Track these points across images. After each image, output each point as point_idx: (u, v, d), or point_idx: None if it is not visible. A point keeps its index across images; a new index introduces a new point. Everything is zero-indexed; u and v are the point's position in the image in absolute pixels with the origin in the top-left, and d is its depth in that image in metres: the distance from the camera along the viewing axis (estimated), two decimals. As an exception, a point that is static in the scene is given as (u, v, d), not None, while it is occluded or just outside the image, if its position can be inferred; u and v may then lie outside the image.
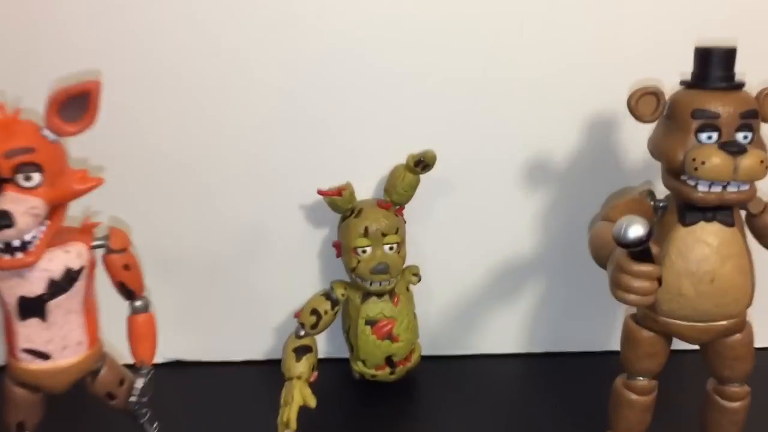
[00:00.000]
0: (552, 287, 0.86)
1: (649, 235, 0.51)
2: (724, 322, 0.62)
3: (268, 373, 0.82)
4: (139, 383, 0.63)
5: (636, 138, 0.77)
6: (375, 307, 0.78)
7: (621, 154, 0.80)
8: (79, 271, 0.57)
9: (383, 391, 0.81)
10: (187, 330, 0.84)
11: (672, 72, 0.63)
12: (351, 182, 0.77)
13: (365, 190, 0.80)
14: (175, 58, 0.75)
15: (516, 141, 0.80)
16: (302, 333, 0.78)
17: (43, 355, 0.58)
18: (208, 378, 0.85)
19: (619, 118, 0.77)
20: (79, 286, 0.57)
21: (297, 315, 0.78)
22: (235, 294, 0.84)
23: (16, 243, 0.52)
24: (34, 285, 0.55)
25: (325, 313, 0.78)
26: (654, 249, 0.54)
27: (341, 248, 0.78)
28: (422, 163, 0.74)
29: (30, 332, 0.57)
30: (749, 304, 0.62)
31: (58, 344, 0.58)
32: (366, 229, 0.75)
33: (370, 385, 0.81)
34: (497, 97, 0.78)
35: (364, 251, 0.75)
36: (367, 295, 0.78)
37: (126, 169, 0.76)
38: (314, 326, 0.78)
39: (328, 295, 0.79)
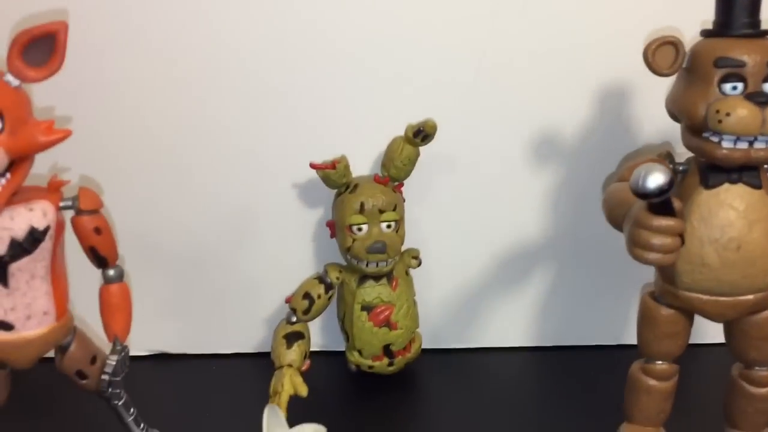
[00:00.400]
0: (561, 275, 0.82)
1: (670, 184, 0.46)
2: (751, 296, 0.58)
3: (258, 366, 0.79)
4: (113, 360, 0.58)
5: (649, 112, 0.74)
6: (372, 292, 0.75)
7: (633, 128, 0.76)
8: (44, 232, 0.53)
9: (381, 384, 0.78)
10: (172, 320, 0.81)
11: (692, 24, 0.59)
12: (346, 156, 0.72)
13: (361, 166, 0.76)
14: (165, 30, 0.72)
15: (522, 115, 0.76)
16: (294, 319, 0.75)
17: (5, 325, 0.53)
18: (194, 371, 0.81)
19: (630, 89, 0.74)
20: (45, 248, 0.53)
21: (288, 300, 0.76)
22: (222, 281, 0.81)
23: (-28, 195, 0.48)
24: (-6, 244, 0.51)
25: (319, 297, 0.75)
26: (676, 203, 0.49)
27: (335, 227, 0.75)
28: (422, 133, 0.71)
29: (-10, 299, 0.52)
30: (778, 275, 0.58)
31: (21, 313, 0.53)
32: (362, 205, 0.72)
33: (367, 378, 0.78)
34: (502, 67, 0.75)
35: (359, 229, 0.72)
36: (363, 278, 0.75)
37: (101, 127, 0.73)
38: (307, 311, 0.74)
39: (321, 279, 0.75)
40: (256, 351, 0.83)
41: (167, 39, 0.73)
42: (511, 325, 0.84)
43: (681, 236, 0.50)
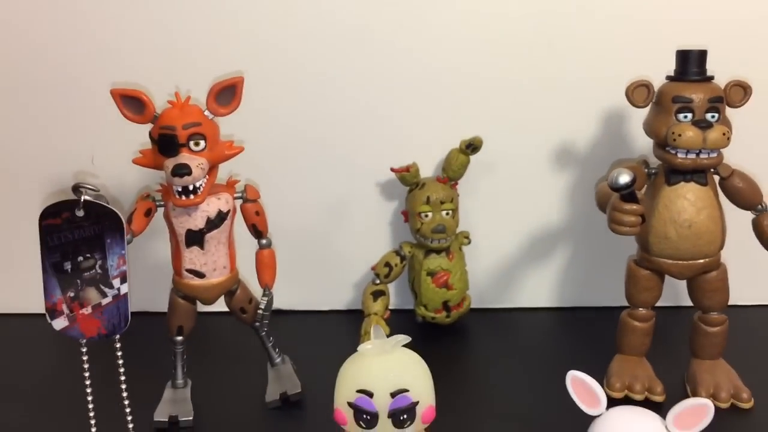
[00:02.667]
0: (576, 250, 1.05)
1: (633, 181, 0.71)
2: (701, 261, 0.81)
3: (349, 321, 1.00)
4: (263, 302, 0.83)
5: (639, 132, 0.96)
6: (434, 262, 0.98)
7: (628, 142, 0.99)
8: (226, 213, 0.79)
9: (440, 332, 1.00)
10: (284, 284, 0.96)
11: (660, 71, 0.82)
12: (416, 162, 0.98)
13: (427, 169, 1.01)
14: (284, 64, 0.98)
15: (547, 132, 1.00)
16: (378, 281, 0.98)
17: (200, 274, 0.79)
18: (300, 325, 1.04)
19: (626, 114, 0.97)
20: (226, 224, 0.79)
21: (373, 268, 0.99)
22: (323, 254, 1.05)
23: (190, 188, 0.74)
24: (197, 221, 0.77)
25: (396, 265, 0.98)
26: (639, 194, 0.74)
27: (408, 214, 0.98)
28: (471, 147, 0.95)
29: (192, 257, 0.79)
30: (721, 247, 0.81)
31: (210, 267, 0.79)
32: (428, 198, 0.95)
33: (429, 327, 1.00)
34: (532, 95, 0.98)
35: (426, 216, 0.95)
36: (428, 251, 0.98)
37: (256, 148, 0.91)
38: (387, 276, 0.98)
39: (397, 252, 0.99)
40: (347, 308, 1.07)
41: (294, 77, 0.97)
42: (538, 289, 1.06)
43: (642, 216, 0.75)
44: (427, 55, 0.98)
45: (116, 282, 0.69)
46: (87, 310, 0.70)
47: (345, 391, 0.70)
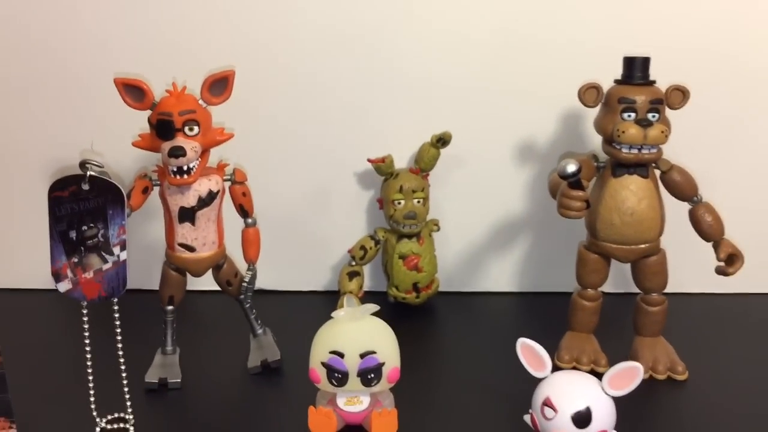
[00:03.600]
0: (537, 240, 1.14)
1: (579, 170, 0.80)
2: (642, 245, 0.90)
3: (328, 301, 1.06)
4: (248, 276, 0.92)
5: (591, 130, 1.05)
6: (406, 246, 1.06)
7: (584, 140, 1.08)
8: (216, 193, 0.87)
9: (410, 311, 1.09)
10: (266, 265, 0.99)
11: (610, 75, 0.91)
12: (391, 154, 1.06)
13: (401, 161, 1.09)
14: (274, 62, 1.07)
15: (510, 130, 1.09)
16: (353, 263, 1.07)
17: (191, 248, 0.88)
18: (281, 304, 1.12)
19: (582, 113, 1.05)
20: (216, 203, 0.87)
21: (350, 250, 1.08)
22: (303, 238, 1.14)
23: (184, 168, 0.83)
24: (190, 199, 0.85)
25: (370, 248, 1.07)
26: (584, 183, 0.83)
27: (383, 202, 1.07)
28: (441, 141, 1.04)
29: (184, 232, 0.87)
30: (660, 233, 0.90)
31: (200, 242, 0.88)
32: (401, 187, 1.04)
33: (401, 307, 1.09)
34: (497, 96, 1.07)
35: (399, 203, 1.04)
36: (400, 236, 1.06)
37: (244, 138, 0.96)
38: (362, 258, 1.07)
39: (372, 237, 1.08)
40: (326, 289, 1.16)
41: (281, 74, 1.07)
42: (501, 275, 1.16)
43: (587, 202, 0.84)
44: (403, 59, 1.07)
45: (116, 249, 0.77)
46: (89, 275, 0.78)
47: (319, 352, 0.79)
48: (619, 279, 1.06)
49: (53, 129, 1.10)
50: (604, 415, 0.75)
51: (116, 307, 0.80)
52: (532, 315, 1.11)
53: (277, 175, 1.11)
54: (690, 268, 1.02)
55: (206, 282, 0.94)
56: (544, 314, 1.08)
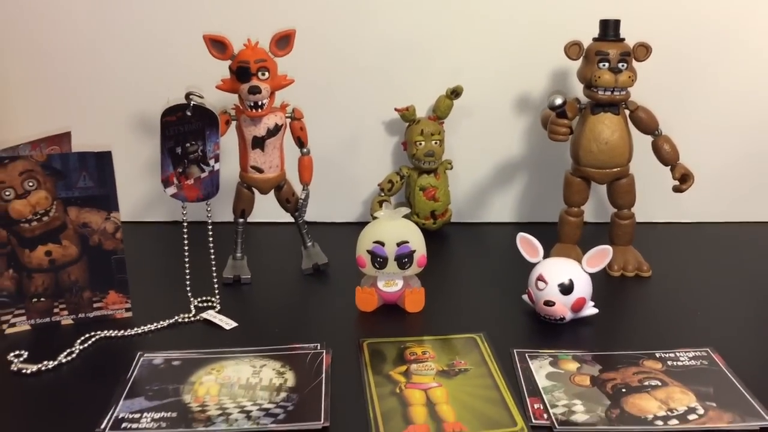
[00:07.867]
0: (533, 178, 1.38)
1: (564, 102, 1.04)
2: (615, 169, 1.14)
3: (359, 230, 1.24)
4: (303, 194, 1.16)
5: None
6: (425, 180, 1.30)
7: (570, 89, 1.30)
8: (280, 126, 1.11)
9: (428, 235, 1.26)
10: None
11: (588, 34, 1.15)
12: (414, 104, 1.30)
13: (422, 110, 1.33)
14: (323, 26, 1.30)
15: (511, 84, 1.33)
16: (382, 194, 1.31)
17: (260, 170, 1.11)
18: (320, 233, 1.32)
19: (568, 68, 1.29)
20: (280, 134, 1.11)
21: (379, 184, 1.31)
22: (340, 177, 1.37)
23: (258, 103, 1.07)
24: (261, 130, 1.09)
25: (396, 182, 1.31)
26: (569, 113, 1.08)
27: (407, 144, 1.31)
28: (455, 93, 1.28)
29: (255, 156, 1.10)
30: (629, 159, 1.14)
31: (267, 165, 1.11)
32: (422, 130, 1.27)
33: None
34: (500, 58, 1.31)
35: (420, 143, 1.28)
36: (421, 172, 1.30)
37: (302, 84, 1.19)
38: (389, 190, 1.31)
39: (398, 173, 1.31)
40: (357, 221, 1.39)
41: (329, 33, 1.31)
42: (503, 207, 1.39)
43: (570, 129, 1.08)
44: (424, 27, 1.31)
45: (212, 161, 1.01)
46: (190, 182, 1.02)
47: (365, 242, 1.03)
48: (600, 211, 1.30)
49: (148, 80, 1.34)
50: (583, 286, 0.99)
51: (209, 207, 1.04)
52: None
53: (322, 120, 1.29)
54: (657, 201, 1.27)
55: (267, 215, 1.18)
56: (539, 239, 1.29)
